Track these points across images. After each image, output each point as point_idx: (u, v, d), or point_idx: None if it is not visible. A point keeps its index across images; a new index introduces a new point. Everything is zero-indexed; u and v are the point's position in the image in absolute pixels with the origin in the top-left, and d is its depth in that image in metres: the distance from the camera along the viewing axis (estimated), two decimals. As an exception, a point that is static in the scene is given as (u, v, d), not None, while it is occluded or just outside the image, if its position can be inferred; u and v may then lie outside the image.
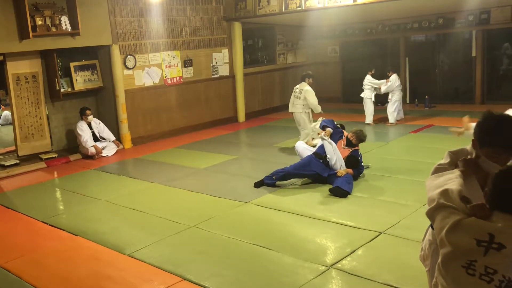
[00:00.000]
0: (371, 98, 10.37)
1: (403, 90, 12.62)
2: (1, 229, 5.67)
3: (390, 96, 10.24)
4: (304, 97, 8.51)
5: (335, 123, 6.98)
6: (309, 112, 8.70)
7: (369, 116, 10.41)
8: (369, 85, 10.38)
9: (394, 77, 10.20)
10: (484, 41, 11.48)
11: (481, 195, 2.00)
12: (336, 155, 6.32)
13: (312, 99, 8.49)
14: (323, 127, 6.73)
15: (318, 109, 8.55)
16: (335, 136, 6.64)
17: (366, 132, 6.87)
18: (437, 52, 12.42)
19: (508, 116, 2.25)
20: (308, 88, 8.53)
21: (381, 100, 11.21)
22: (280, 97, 13.00)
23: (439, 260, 1.87)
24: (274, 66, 12.84)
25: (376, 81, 10.35)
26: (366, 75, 10.48)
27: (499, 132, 2.13)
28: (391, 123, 10.09)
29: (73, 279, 4.26)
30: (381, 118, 10.60)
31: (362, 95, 10.46)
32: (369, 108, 10.37)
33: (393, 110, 10.10)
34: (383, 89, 10.26)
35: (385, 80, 10.27)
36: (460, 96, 12.26)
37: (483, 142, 2.18)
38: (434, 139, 8.57)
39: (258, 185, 6.46)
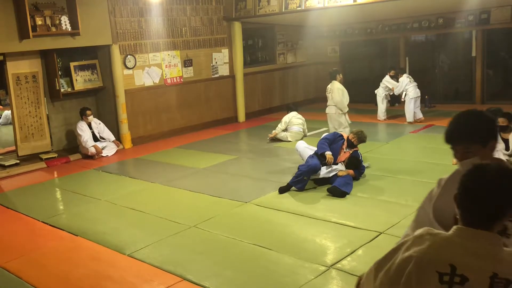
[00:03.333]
0: (382, 97, 10.64)
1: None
2: (1, 229, 5.67)
3: (403, 96, 10.43)
4: (332, 96, 8.29)
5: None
6: (345, 113, 8.33)
7: (380, 114, 10.70)
8: (384, 84, 10.71)
9: (402, 79, 10.38)
10: (484, 41, 11.48)
11: None
12: (333, 170, 6.31)
13: (338, 97, 8.18)
14: (321, 154, 6.44)
15: (345, 108, 8.29)
16: (337, 142, 6.61)
17: (366, 132, 6.88)
18: (437, 52, 12.42)
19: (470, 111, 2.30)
20: (338, 86, 8.27)
21: (391, 100, 11.46)
22: (280, 97, 13.00)
23: None
24: (274, 66, 12.84)
25: (392, 82, 10.61)
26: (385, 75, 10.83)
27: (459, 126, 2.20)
28: (408, 122, 10.17)
29: (73, 279, 4.26)
30: (393, 117, 10.75)
31: (376, 91, 10.87)
32: (379, 106, 10.72)
33: (409, 109, 10.17)
34: (395, 91, 10.56)
35: (397, 84, 10.54)
36: (460, 96, 12.26)
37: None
38: (434, 139, 8.56)
39: (283, 190, 6.16)
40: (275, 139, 9.27)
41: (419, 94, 10.29)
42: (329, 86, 8.46)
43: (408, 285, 1.57)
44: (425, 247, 1.59)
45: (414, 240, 1.63)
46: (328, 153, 6.37)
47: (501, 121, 6.53)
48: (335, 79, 8.39)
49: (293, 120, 9.32)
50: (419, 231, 1.66)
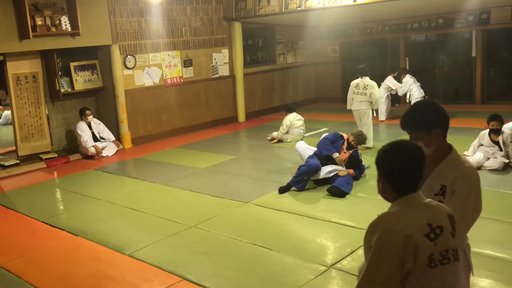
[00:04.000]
0: (383, 97, 10.51)
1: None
2: (1, 229, 5.67)
3: (408, 96, 10.44)
4: (370, 92, 8.19)
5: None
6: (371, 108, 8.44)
7: (381, 114, 10.67)
8: (386, 85, 10.65)
9: (406, 79, 10.39)
10: (484, 41, 11.48)
11: None
12: (333, 170, 6.32)
13: (378, 93, 8.40)
14: (326, 156, 6.43)
15: (377, 104, 8.50)
16: (337, 142, 6.62)
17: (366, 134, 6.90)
18: (437, 52, 12.42)
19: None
20: (373, 82, 8.32)
21: (391, 101, 11.43)
22: (280, 97, 13.00)
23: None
24: (274, 66, 12.84)
25: (395, 83, 10.60)
26: (387, 76, 10.80)
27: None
28: None
29: (73, 279, 4.26)
30: (394, 117, 10.74)
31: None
32: (380, 107, 10.53)
33: None
34: (400, 92, 10.57)
35: (401, 84, 10.54)
36: (460, 96, 12.27)
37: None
38: (434, 139, 8.55)
39: (283, 190, 6.16)
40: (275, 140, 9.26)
41: (424, 94, 10.29)
42: (358, 82, 8.35)
43: (413, 258, 1.82)
44: (403, 225, 1.86)
45: (387, 226, 1.89)
46: (337, 155, 6.41)
47: (495, 125, 6.57)
48: (367, 76, 8.36)
49: (294, 122, 9.23)
50: (386, 218, 1.93)
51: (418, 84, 10.35)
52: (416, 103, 2.61)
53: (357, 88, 8.34)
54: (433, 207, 1.96)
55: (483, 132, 6.83)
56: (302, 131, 9.29)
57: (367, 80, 8.31)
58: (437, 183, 2.39)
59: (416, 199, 1.95)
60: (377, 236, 1.86)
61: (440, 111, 2.49)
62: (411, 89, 10.26)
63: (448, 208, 2.00)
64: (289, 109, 9.48)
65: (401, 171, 1.94)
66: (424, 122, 2.40)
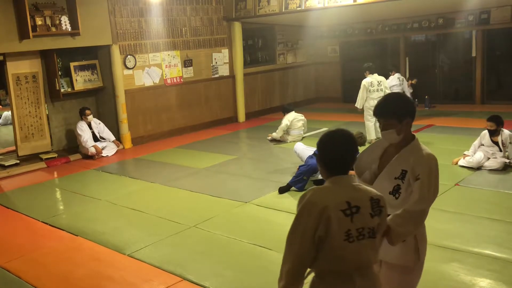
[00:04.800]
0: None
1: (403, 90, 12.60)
2: (1, 229, 5.68)
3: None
4: (384, 87, 8.56)
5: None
6: None
7: None
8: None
9: (392, 77, 10.09)
10: (484, 41, 11.48)
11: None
12: None
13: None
14: None
15: None
16: None
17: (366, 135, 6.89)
18: (437, 52, 12.42)
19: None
20: (383, 77, 8.78)
21: None
22: (280, 97, 13.00)
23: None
24: (274, 66, 12.84)
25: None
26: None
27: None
28: None
29: (73, 279, 4.26)
30: None
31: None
32: None
33: None
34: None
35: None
36: (460, 96, 12.26)
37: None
38: (434, 139, 8.56)
39: (283, 190, 6.18)
40: (275, 140, 9.26)
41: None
42: (372, 80, 8.56)
43: (325, 228, 2.09)
44: (324, 198, 2.15)
45: (312, 197, 2.16)
46: None
47: (490, 125, 6.58)
48: (376, 72, 8.71)
49: (294, 123, 9.20)
50: (311, 192, 2.19)
51: (405, 84, 10.21)
52: (389, 95, 2.87)
53: (371, 86, 8.53)
54: (357, 189, 2.21)
55: (484, 132, 6.82)
56: (302, 132, 9.27)
57: (378, 76, 8.64)
58: (398, 167, 2.62)
59: (343, 180, 2.22)
60: (301, 205, 2.17)
61: (410, 103, 2.75)
62: (392, 89, 10.01)
63: (374, 193, 2.22)
64: (285, 110, 9.44)
65: (333, 154, 2.24)
66: (397, 112, 2.62)
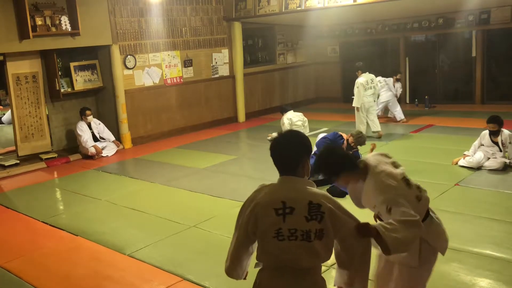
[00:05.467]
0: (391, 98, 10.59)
1: (404, 90, 12.64)
2: (1, 229, 5.68)
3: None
4: (375, 85, 9.09)
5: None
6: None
7: (399, 114, 10.71)
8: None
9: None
10: (484, 41, 11.48)
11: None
12: None
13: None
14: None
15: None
16: (337, 142, 6.63)
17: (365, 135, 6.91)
18: (437, 52, 12.42)
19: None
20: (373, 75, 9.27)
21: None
22: (280, 97, 13.00)
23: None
24: (274, 66, 12.84)
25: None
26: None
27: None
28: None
29: (73, 279, 4.26)
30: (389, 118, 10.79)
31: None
32: (397, 108, 10.74)
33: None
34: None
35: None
36: (460, 96, 12.26)
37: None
38: (434, 139, 8.57)
39: None
40: None
41: (389, 99, 10.22)
42: (367, 79, 9.00)
43: (254, 223, 2.24)
44: (263, 194, 2.27)
45: (255, 193, 2.33)
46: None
47: (492, 127, 6.57)
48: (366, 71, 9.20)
49: (294, 121, 9.25)
50: (259, 187, 2.35)
51: (390, 84, 10.25)
52: (319, 155, 2.88)
53: (367, 84, 8.94)
54: (298, 191, 2.25)
55: (484, 132, 6.82)
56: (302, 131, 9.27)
57: (369, 75, 9.06)
58: (370, 202, 2.78)
59: (287, 180, 2.29)
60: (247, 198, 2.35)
61: (340, 158, 2.82)
62: (381, 93, 10.18)
63: (317, 198, 2.22)
64: (283, 110, 9.57)
65: (274, 155, 2.35)
66: (331, 171, 2.79)
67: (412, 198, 2.66)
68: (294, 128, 9.21)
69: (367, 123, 9.07)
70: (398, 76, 10.79)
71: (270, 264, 2.26)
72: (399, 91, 10.82)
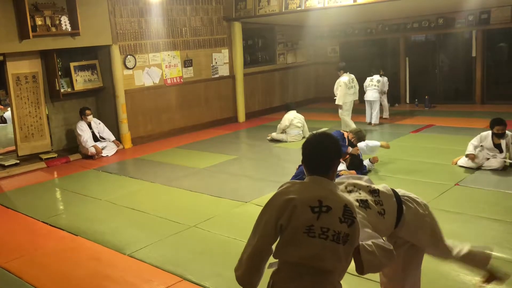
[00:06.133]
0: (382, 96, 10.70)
1: (404, 90, 12.65)
2: (1, 229, 5.68)
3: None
4: (355, 84, 9.57)
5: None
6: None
7: (385, 112, 10.89)
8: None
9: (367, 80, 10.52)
10: (484, 41, 11.48)
11: None
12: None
13: None
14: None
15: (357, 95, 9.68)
16: (342, 141, 6.65)
17: (365, 132, 6.91)
18: (437, 52, 12.42)
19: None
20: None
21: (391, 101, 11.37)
22: (280, 97, 13.00)
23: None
24: (274, 66, 12.84)
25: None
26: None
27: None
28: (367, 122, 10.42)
29: (73, 279, 4.26)
30: (393, 117, 10.73)
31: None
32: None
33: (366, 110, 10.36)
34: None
35: None
36: (460, 96, 12.26)
37: None
38: (434, 139, 8.57)
39: None
40: (275, 140, 9.27)
41: (375, 98, 10.18)
42: (349, 78, 9.44)
43: (288, 217, 2.18)
44: (297, 191, 2.25)
45: (284, 189, 2.30)
46: (350, 149, 6.50)
47: (500, 129, 6.50)
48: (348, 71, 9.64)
49: (294, 122, 9.26)
50: (287, 184, 2.33)
51: (374, 87, 10.21)
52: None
53: (349, 83, 9.39)
54: (334, 193, 2.27)
55: (485, 133, 6.73)
56: (301, 132, 9.27)
57: (350, 74, 9.49)
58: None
59: (321, 181, 2.29)
60: (273, 195, 2.31)
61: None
62: (365, 90, 10.23)
63: (350, 203, 2.26)
64: (287, 108, 9.63)
65: (308, 155, 2.34)
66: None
67: (373, 218, 2.61)
68: (293, 128, 9.23)
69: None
70: (381, 72, 10.75)
71: (291, 260, 2.22)
72: (386, 87, 10.77)
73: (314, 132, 2.46)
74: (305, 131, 9.36)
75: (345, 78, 9.29)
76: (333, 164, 2.34)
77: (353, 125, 9.03)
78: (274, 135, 9.28)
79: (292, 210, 2.19)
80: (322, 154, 2.33)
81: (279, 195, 2.29)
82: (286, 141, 9.11)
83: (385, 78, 10.68)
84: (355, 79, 9.52)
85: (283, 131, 9.25)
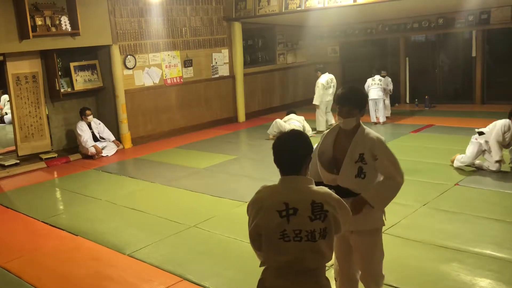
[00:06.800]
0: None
1: (404, 90, 12.64)
2: (1, 229, 5.68)
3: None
4: (334, 84, 9.88)
5: None
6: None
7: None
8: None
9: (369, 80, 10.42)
10: (484, 41, 11.48)
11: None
12: None
13: None
14: None
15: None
16: None
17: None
18: (437, 52, 12.42)
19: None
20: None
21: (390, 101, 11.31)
22: (280, 97, 13.00)
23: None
24: (274, 66, 12.84)
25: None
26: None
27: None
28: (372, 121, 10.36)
29: (73, 279, 4.26)
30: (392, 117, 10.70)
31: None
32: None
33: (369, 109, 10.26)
34: None
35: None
36: (460, 96, 12.26)
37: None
38: (434, 139, 8.57)
39: None
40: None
41: (376, 97, 10.11)
42: (327, 78, 9.79)
43: (258, 226, 2.23)
44: (265, 197, 2.27)
45: (256, 195, 2.32)
46: None
47: None
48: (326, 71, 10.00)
49: (292, 117, 9.32)
50: (260, 189, 2.33)
51: (378, 85, 10.17)
52: (352, 87, 3.09)
53: (327, 84, 9.73)
54: (300, 191, 2.24)
55: (506, 122, 6.29)
56: (300, 125, 9.27)
57: (329, 75, 9.87)
58: (356, 152, 2.93)
59: (288, 181, 2.28)
60: (249, 201, 2.35)
61: (366, 95, 3.19)
62: (368, 90, 10.14)
63: (319, 197, 2.23)
64: (288, 113, 9.73)
65: (277, 155, 2.32)
66: (362, 103, 3.01)
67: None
68: (294, 122, 9.18)
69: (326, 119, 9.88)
70: (383, 74, 10.71)
71: (274, 264, 2.26)
72: (390, 86, 10.72)
73: (284, 132, 2.44)
74: (307, 131, 9.36)
75: (323, 79, 9.70)
76: (304, 162, 2.31)
77: (322, 127, 9.56)
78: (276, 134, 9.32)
79: (262, 217, 2.22)
80: (290, 153, 2.30)
81: (252, 202, 2.32)
82: None
83: (389, 79, 10.65)
84: (334, 79, 9.89)
85: (280, 132, 9.29)
